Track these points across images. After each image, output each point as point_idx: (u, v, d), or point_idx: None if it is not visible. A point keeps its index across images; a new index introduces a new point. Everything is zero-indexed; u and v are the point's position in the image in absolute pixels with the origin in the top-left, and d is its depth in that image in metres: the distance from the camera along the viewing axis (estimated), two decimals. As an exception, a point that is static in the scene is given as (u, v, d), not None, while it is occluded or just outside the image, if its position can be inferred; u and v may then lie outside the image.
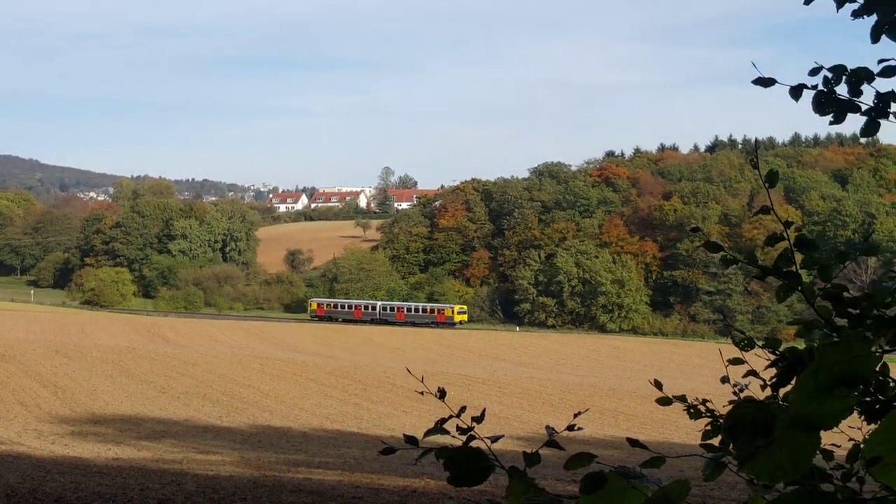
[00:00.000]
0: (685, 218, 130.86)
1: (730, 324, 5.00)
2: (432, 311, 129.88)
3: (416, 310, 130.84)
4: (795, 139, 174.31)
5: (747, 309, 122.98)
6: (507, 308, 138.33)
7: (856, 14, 4.37)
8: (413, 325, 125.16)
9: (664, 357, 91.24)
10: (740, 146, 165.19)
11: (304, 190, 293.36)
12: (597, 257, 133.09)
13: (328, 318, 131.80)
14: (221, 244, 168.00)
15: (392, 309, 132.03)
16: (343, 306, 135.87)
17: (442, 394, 3.80)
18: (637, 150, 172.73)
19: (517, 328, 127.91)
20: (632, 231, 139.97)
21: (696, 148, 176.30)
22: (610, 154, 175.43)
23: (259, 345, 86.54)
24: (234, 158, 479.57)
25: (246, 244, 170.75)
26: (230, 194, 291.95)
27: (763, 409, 1.35)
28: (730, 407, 1.76)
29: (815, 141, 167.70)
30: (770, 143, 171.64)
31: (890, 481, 1.45)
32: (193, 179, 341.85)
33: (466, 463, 2.55)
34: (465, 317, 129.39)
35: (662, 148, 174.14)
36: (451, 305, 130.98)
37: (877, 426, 1.44)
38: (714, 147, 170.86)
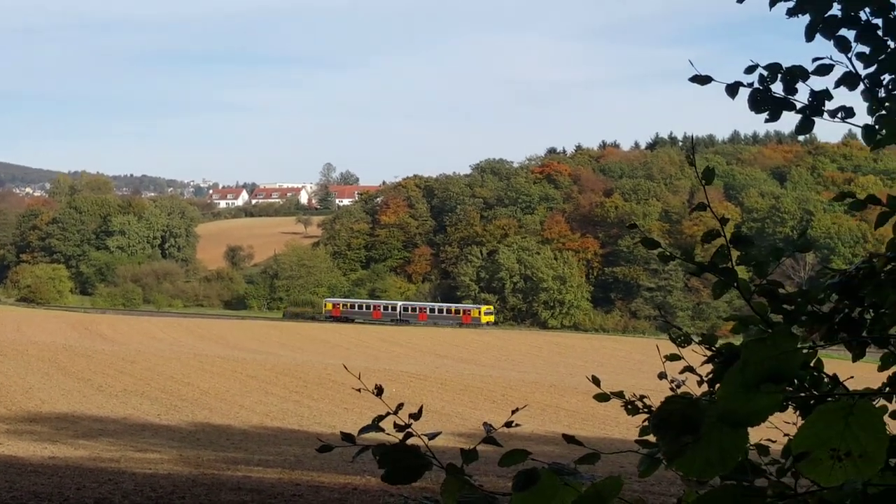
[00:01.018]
0: (626, 215, 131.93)
1: (667, 320, 5.03)
2: (458, 311, 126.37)
3: (441, 310, 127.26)
4: (735, 137, 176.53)
5: (687, 305, 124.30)
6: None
7: (790, 13, 4.41)
8: (436, 325, 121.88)
9: (605, 353, 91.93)
10: (680, 143, 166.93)
11: (244, 186, 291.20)
12: (538, 254, 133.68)
13: (344, 320, 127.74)
14: (160, 240, 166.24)
15: (414, 309, 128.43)
16: (360, 306, 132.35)
17: (379, 391, 3.77)
18: (579, 147, 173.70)
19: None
20: (573, 228, 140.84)
21: (636, 145, 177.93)
22: (552, 151, 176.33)
23: (199, 342, 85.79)
24: (174, 154, 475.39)
25: (185, 240, 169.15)
26: (169, 190, 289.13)
27: (691, 406, 1.35)
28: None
29: (755, 139, 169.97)
30: (710, 141, 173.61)
31: (817, 476, 1.46)
32: (132, 175, 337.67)
33: (401, 460, 2.54)
34: (492, 318, 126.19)
35: (604, 145, 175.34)
36: (479, 306, 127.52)
37: (803, 422, 1.45)
38: (655, 144, 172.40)
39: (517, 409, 3.82)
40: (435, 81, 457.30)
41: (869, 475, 1.46)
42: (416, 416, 3.44)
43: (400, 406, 3.50)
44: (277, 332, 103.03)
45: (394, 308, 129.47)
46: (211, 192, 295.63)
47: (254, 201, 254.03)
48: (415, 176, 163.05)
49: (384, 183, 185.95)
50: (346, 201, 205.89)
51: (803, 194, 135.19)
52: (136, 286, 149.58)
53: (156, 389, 45.37)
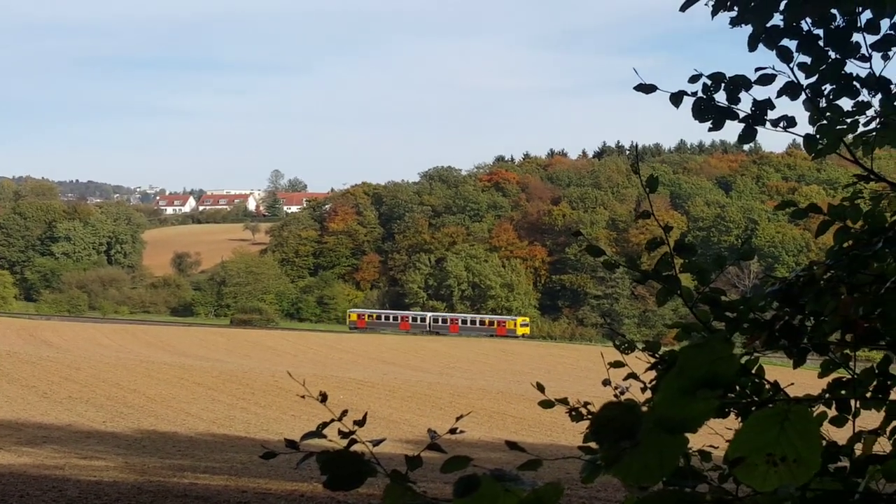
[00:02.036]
0: (574, 223, 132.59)
1: (612, 328, 5.07)
2: (491, 323, 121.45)
3: (473, 322, 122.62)
4: (681, 146, 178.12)
5: (634, 313, 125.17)
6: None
7: (734, 23, 4.46)
8: (468, 338, 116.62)
9: (552, 360, 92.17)
10: (627, 152, 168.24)
11: (191, 192, 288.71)
12: (486, 261, 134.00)
13: (370, 331, 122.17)
14: (106, 246, 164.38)
15: (445, 321, 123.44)
16: (388, 317, 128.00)
17: (323, 398, 3.76)
18: (526, 155, 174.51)
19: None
20: (521, 235, 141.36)
21: (584, 154, 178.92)
22: (500, 159, 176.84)
23: (145, 349, 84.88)
24: (120, 160, 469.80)
25: (132, 247, 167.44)
26: (115, 196, 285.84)
27: (629, 412, 1.36)
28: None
29: (700, 148, 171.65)
30: (657, 150, 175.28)
31: (752, 481, 1.47)
32: (77, 181, 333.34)
33: (343, 466, 2.52)
34: (527, 329, 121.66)
35: (552, 153, 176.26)
36: (514, 318, 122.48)
37: (739, 428, 1.46)
38: (602, 153, 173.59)
39: (461, 416, 3.83)
40: (383, 88, 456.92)
41: (804, 480, 1.47)
42: (360, 422, 3.44)
43: (344, 413, 3.50)
44: (224, 338, 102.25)
45: (423, 319, 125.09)
46: (158, 198, 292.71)
47: (201, 208, 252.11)
48: (363, 183, 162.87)
49: (332, 190, 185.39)
50: (294, 208, 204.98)
51: (748, 203, 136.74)
52: (82, 292, 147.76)
53: (101, 396, 44.81)
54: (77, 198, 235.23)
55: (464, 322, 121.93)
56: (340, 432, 3.44)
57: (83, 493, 16.10)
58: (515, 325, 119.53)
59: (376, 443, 3.31)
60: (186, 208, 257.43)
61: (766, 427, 1.46)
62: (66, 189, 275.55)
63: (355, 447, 3.27)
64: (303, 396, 4.11)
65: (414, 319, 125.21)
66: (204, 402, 44.94)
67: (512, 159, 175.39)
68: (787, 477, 1.46)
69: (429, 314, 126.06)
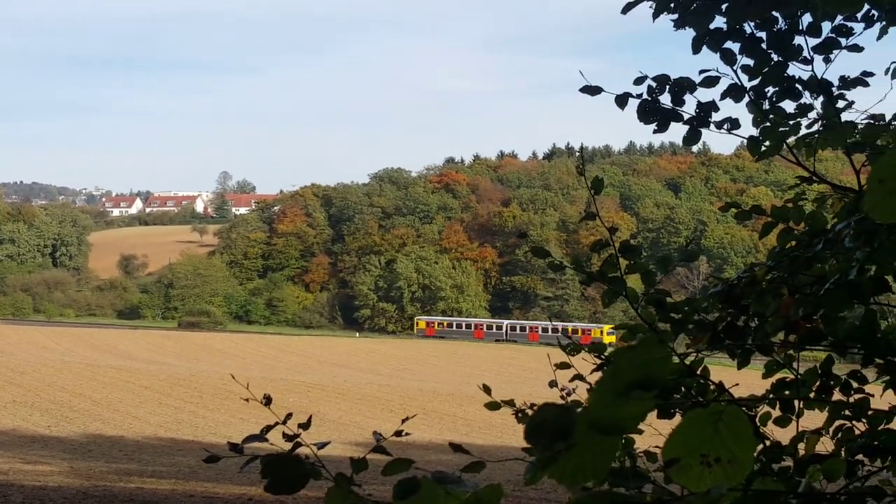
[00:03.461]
0: (524, 224, 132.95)
1: (559, 332, 5.08)
2: (575, 331, 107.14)
3: (555, 330, 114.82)
4: (631, 148, 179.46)
5: (584, 314, 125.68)
6: (346, 314, 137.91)
7: (677, 25, 4.48)
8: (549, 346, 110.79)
9: (503, 362, 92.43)
10: (577, 154, 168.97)
11: (138, 194, 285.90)
12: (437, 263, 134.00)
13: (440, 339, 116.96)
14: (51, 249, 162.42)
15: (523, 328, 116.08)
16: (459, 325, 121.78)
17: (268, 400, 3.73)
18: (476, 157, 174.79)
19: (357, 334, 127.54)
20: (471, 237, 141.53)
21: (534, 155, 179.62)
22: (450, 160, 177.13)
23: (91, 352, 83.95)
24: (65, 161, 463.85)
25: (77, 249, 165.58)
26: (61, 198, 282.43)
27: (564, 413, 1.35)
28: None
29: (650, 150, 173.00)
30: (606, 152, 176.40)
31: (687, 482, 1.48)
32: (22, 182, 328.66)
33: (285, 470, 2.50)
34: (613, 338, 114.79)
35: (502, 155, 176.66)
36: (600, 325, 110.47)
37: (674, 428, 1.46)
38: (552, 154, 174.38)
39: (407, 418, 3.82)
40: (332, 89, 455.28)
41: (737, 480, 1.48)
42: (304, 425, 3.42)
43: (289, 416, 3.47)
44: (172, 341, 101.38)
45: (499, 327, 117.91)
46: (104, 200, 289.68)
47: (148, 209, 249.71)
48: (312, 185, 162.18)
49: (281, 192, 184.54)
50: (242, 210, 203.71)
51: (697, 205, 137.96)
52: (26, 295, 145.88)
53: (46, 401, 44.27)
54: (21, 199, 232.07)
55: (544, 330, 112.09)
56: (285, 435, 3.41)
57: (28, 498, 15.90)
58: (602, 333, 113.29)
59: (321, 445, 3.28)
60: (133, 210, 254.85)
61: (701, 428, 1.46)
62: (9, 191, 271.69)
63: (301, 450, 3.25)
64: (247, 400, 4.07)
65: (489, 327, 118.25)
66: (151, 406, 44.58)
67: (462, 161, 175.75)
68: (722, 477, 1.46)
69: (505, 322, 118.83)
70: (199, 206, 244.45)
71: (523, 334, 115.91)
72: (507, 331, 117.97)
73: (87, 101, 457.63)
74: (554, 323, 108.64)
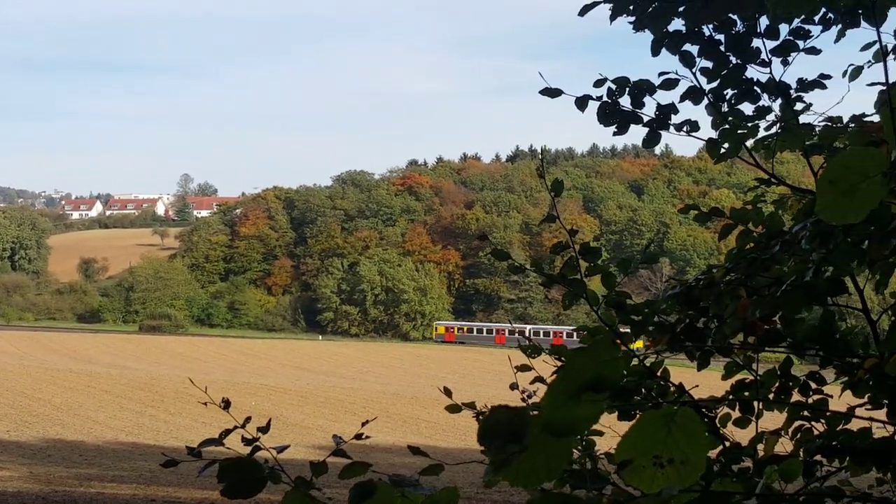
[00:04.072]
0: (487, 227, 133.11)
1: (517, 331, 5.08)
2: None
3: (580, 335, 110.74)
4: (594, 150, 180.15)
5: (547, 317, 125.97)
6: (309, 317, 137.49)
7: (636, 28, 4.49)
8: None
9: (466, 364, 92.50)
10: (540, 156, 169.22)
11: (98, 196, 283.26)
12: (400, 266, 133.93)
13: (460, 345, 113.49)
14: (10, 252, 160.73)
15: (547, 333, 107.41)
16: (480, 330, 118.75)
17: (226, 404, 3.70)
18: (440, 159, 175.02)
19: (320, 337, 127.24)
20: (434, 240, 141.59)
21: (497, 157, 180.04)
22: (413, 163, 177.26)
23: (50, 356, 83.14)
24: (24, 163, 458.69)
25: (36, 252, 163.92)
26: (20, 201, 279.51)
27: (517, 415, 1.34)
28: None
29: (613, 152, 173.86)
30: (569, 154, 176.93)
31: (640, 483, 1.47)
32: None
33: (242, 474, 2.48)
34: (640, 343, 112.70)
35: (465, 157, 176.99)
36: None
37: (627, 430, 1.46)
38: (515, 157, 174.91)
39: (367, 421, 3.80)
40: (295, 92, 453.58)
41: (690, 482, 1.48)
42: (263, 429, 3.39)
43: (248, 419, 3.44)
44: (133, 345, 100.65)
45: (522, 332, 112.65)
46: (63, 202, 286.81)
47: (108, 212, 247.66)
48: (274, 187, 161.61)
49: (243, 194, 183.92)
50: (204, 213, 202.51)
51: (660, 207, 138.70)
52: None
53: (5, 405, 43.80)
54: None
55: (569, 335, 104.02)
56: (244, 439, 3.38)
57: (-15, 504, 15.71)
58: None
59: (280, 449, 3.26)
60: (93, 213, 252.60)
61: (654, 429, 1.46)
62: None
63: (262, 454, 3.22)
64: (205, 403, 4.04)
65: (511, 332, 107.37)
66: (112, 410, 44.24)
67: (425, 163, 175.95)
68: (674, 478, 1.46)
69: (528, 327, 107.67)
70: (160, 209, 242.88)
71: (547, 339, 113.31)
72: (529, 335, 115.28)
73: (45, 103, 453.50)
74: (575, 328, 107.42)
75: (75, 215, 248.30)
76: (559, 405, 1.31)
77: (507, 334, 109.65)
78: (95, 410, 44.04)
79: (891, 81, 1.89)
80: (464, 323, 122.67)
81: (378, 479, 1.89)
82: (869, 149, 1.57)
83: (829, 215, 1.55)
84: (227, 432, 3.28)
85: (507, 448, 1.35)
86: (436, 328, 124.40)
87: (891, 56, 4.46)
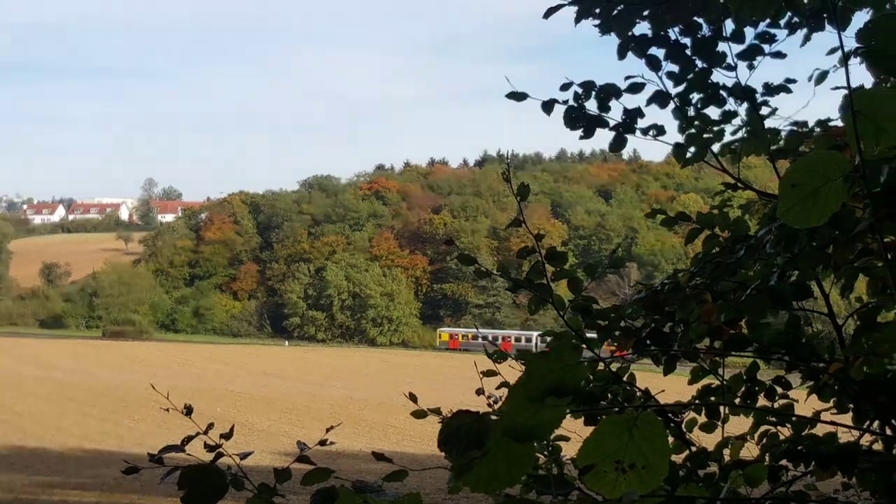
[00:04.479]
0: (455, 231, 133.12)
1: (483, 337, 5.08)
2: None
3: None
4: (562, 155, 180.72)
5: (515, 322, 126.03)
6: (275, 322, 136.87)
7: (602, 31, 4.49)
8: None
9: (434, 370, 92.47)
10: (508, 160, 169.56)
11: (61, 201, 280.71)
12: (367, 271, 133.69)
13: (464, 352, 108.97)
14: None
15: None
16: (486, 338, 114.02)
17: (188, 410, 3.65)
18: (407, 164, 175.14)
19: (286, 342, 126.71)
20: (402, 244, 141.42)
21: (465, 162, 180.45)
22: (380, 167, 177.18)
23: (12, 362, 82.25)
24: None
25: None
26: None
27: (478, 421, 1.32)
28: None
29: (581, 157, 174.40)
30: (537, 159, 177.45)
31: (601, 488, 1.45)
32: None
33: (201, 480, 2.44)
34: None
35: (432, 162, 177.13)
36: None
37: (589, 435, 1.44)
38: (483, 161, 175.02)
39: (332, 427, 3.76)
40: (261, 96, 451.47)
41: (652, 486, 1.47)
42: (226, 435, 3.34)
43: (210, 425, 3.39)
44: (96, 351, 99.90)
45: (528, 339, 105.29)
46: (25, 207, 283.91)
47: (71, 217, 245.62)
48: (240, 192, 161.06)
49: (209, 199, 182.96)
50: (168, 217, 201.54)
51: (628, 212, 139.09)
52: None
53: (-34, 413, 43.41)
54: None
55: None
56: (207, 445, 3.33)
57: (-55, 513, 15.52)
58: None
59: (243, 455, 3.22)
60: (56, 217, 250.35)
61: (616, 434, 1.44)
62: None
63: (224, 460, 3.18)
64: (167, 409, 3.99)
65: (517, 339, 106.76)
66: (75, 417, 43.92)
67: (392, 168, 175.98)
68: (636, 483, 1.44)
69: (535, 334, 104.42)
70: (124, 214, 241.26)
71: None
72: (536, 343, 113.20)
73: (6, 107, 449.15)
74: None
75: (37, 220, 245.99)
76: (520, 410, 1.29)
77: (513, 341, 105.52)
78: (58, 417, 43.70)
79: (853, 86, 1.88)
80: (468, 330, 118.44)
81: (340, 486, 1.87)
82: (831, 152, 1.56)
83: (792, 219, 1.54)
84: (188, 438, 3.24)
85: (469, 453, 1.33)
86: (439, 335, 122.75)
87: (855, 60, 4.48)
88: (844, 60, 1.72)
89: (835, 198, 1.54)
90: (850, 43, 1.70)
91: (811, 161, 1.55)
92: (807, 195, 1.51)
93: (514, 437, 1.31)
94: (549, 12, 4.46)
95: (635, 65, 4.61)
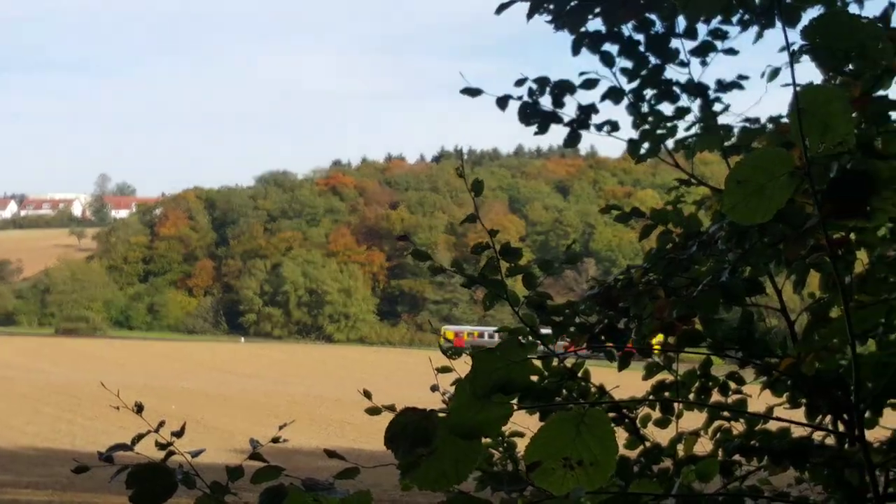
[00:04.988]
0: (412, 227, 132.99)
1: (437, 333, 5.07)
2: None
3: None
4: (519, 150, 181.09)
5: (473, 318, 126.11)
6: (231, 319, 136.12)
7: (556, 27, 4.49)
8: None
9: (391, 367, 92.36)
10: (465, 156, 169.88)
11: (12, 197, 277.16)
12: (323, 267, 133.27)
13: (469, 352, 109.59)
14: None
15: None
16: (492, 336, 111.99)
17: (139, 408, 3.62)
18: (364, 160, 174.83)
19: (242, 339, 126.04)
20: (359, 240, 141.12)
21: (422, 158, 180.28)
22: (337, 163, 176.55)
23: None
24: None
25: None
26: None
27: (425, 418, 1.32)
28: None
29: (538, 153, 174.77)
30: (495, 154, 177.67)
31: (549, 485, 1.46)
32: None
33: (150, 479, 2.41)
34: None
35: (389, 157, 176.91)
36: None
37: (536, 432, 1.43)
38: (440, 157, 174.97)
39: (284, 425, 3.74)
40: (216, 91, 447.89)
41: (599, 483, 1.47)
42: (178, 433, 3.32)
43: (161, 423, 3.36)
44: (49, 348, 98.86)
45: None
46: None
47: (23, 213, 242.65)
48: (195, 187, 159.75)
49: (163, 195, 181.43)
50: (122, 213, 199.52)
51: (585, 207, 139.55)
52: None
53: (-87, 411, 42.84)
54: None
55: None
56: (158, 444, 3.30)
57: None
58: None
59: (195, 453, 3.19)
60: (7, 213, 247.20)
61: (563, 431, 1.44)
62: None
63: (176, 458, 3.15)
64: (117, 408, 3.95)
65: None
66: (27, 415, 43.45)
67: (349, 163, 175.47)
68: (584, 480, 1.45)
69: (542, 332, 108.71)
70: (77, 210, 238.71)
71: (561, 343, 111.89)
72: None
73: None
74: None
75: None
76: (467, 407, 1.29)
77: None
78: (10, 415, 43.19)
79: (804, 83, 1.89)
80: (475, 328, 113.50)
81: (290, 484, 1.85)
82: (776, 149, 1.57)
83: (737, 215, 1.55)
84: (139, 437, 3.21)
85: (416, 451, 1.33)
86: (444, 333, 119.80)
87: (806, 57, 4.51)
88: (789, 57, 1.73)
89: (780, 194, 1.55)
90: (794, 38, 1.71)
91: (756, 158, 1.56)
92: (752, 192, 1.52)
93: (460, 435, 1.31)
94: (501, 8, 4.46)
95: (592, 61, 4.62)
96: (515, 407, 1.39)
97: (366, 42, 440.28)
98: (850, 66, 1.83)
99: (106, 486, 17.82)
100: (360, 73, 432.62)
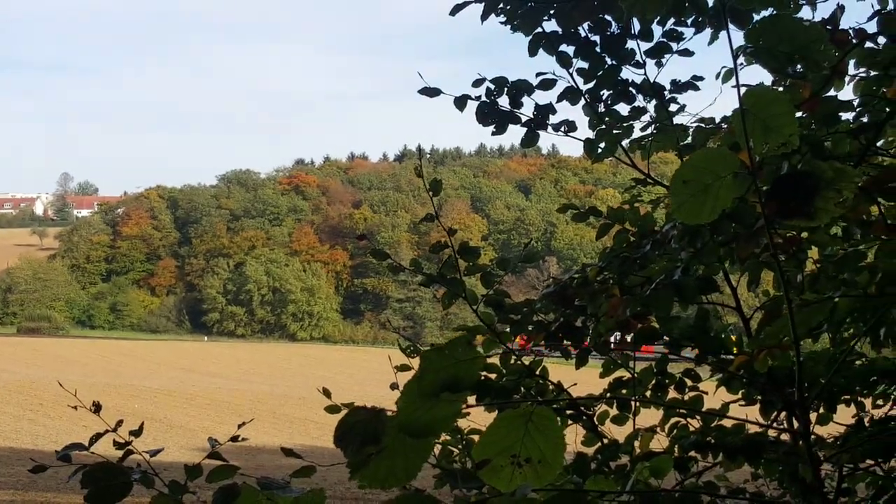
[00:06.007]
0: (375, 226, 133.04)
1: (395, 331, 5.10)
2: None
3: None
4: (482, 150, 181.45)
5: (436, 316, 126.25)
6: (194, 318, 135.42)
7: (513, 28, 4.52)
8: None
9: (355, 365, 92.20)
10: (429, 155, 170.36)
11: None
12: (287, 266, 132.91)
13: None
14: None
15: None
16: None
17: (97, 407, 3.61)
18: (327, 159, 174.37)
19: (205, 338, 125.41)
20: (322, 239, 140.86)
21: (385, 157, 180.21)
22: (300, 162, 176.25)
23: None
24: None
25: None
26: None
27: (374, 417, 1.33)
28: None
29: (500, 152, 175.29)
30: (457, 154, 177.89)
31: (497, 483, 1.47)
32: None
33: (105, 479, 2.42)
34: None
35: (352, 156, 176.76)
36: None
37: (485, 429, 1.45)
38: (403, 156, 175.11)
39: (244, 423, 3.75)
40: (178, 90, 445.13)
41: (547, 480, 1.49)
42: (136, 432, 3.31)
43: (120, 422, 3.35)
44: (11, 348, 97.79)
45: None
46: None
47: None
48: (158, 186, 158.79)
49: (126, 194, 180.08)
50: (84, 212, 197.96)
51: (547, 206, 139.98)
52: None
53: None
54: None
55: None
56: (116, 443, 3.29)
57: None
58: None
59: (154, 452, 3.19)
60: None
61: (512, 428, 1.46)
62: None
63: (134, 457, 3.15)
64: (75, 407, 3.94)
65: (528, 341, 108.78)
66: (-13, 415, 42.95)
67: (312, 163, 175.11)
68: (532, 477, 1.46)
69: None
70: (39, 209, 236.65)
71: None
72: None
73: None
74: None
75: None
76: (416, 406, 1.31)
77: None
78: (-30, 415, 42.73)
79: (753, 84, 1.93)
80: None
81: (243, 483, 1.86)
82: (721, 149, 1.60)
83: (683, 214, 1.57)
84: (97, 436, 3.21)
85: (365, 449, 1.34)
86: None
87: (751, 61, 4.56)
88: (734, 60, 1.76)
89: (726, 194, 1.58)
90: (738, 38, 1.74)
91: (701, 158, 1.58)
92: (697, 191, 1.54)
93: (409, 434, 1.32)
94: (456, 9, 4.48)
95: (552, 61, 4.65)
96: (466, 405, 1.41)
97: (329, 43, 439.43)
98: (799, 68, 1.86)
99: (68, 485, 17.68)
100: (324, 73, 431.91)
